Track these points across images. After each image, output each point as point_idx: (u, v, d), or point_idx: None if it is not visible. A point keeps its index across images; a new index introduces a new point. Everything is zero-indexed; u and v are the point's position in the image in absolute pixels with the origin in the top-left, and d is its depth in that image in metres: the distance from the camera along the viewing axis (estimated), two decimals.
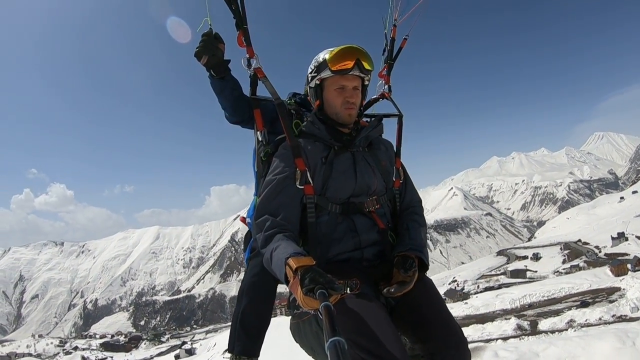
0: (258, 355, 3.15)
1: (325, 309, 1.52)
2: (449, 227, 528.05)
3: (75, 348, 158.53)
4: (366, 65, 2.51)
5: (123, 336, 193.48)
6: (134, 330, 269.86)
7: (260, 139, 2.88)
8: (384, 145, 2.82)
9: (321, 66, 2.56)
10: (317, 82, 2.61)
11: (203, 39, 2.85)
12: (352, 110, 2.58)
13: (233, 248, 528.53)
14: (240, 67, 2.86)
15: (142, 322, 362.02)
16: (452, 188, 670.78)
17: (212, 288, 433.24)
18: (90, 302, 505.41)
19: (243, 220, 3.14)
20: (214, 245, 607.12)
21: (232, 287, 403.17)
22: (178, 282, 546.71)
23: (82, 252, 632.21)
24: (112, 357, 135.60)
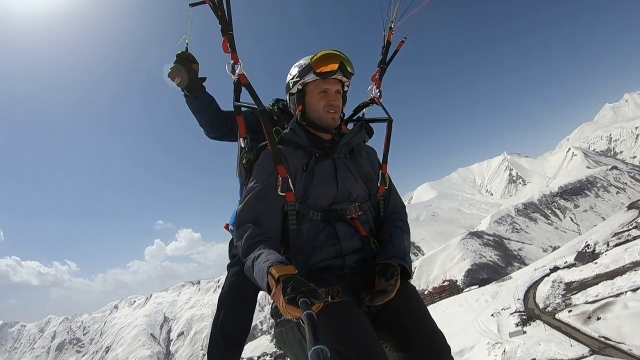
0: None
1: (307, 317, 1.62)
2: (575, 190, 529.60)
3: None
4: (349, 69, 2.73)
5: (269, 356, 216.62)
6: (278, 350, 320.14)
7: (242, 145, 3.07)
8: (365, 152, 3.01)
9: (304, 70, 2.74)
10: (300, 87, 2.79)
11: (176, 60, 3.18)
12: (335, 114, 2.77)
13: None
14: (224, 74, 3.05)
15: None
16: (569, 149, 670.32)
17: None
18: None
19: (227, 227, 3.29)
20: None
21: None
22: None
23: (218, 286, 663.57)
24: None
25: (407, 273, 2.56)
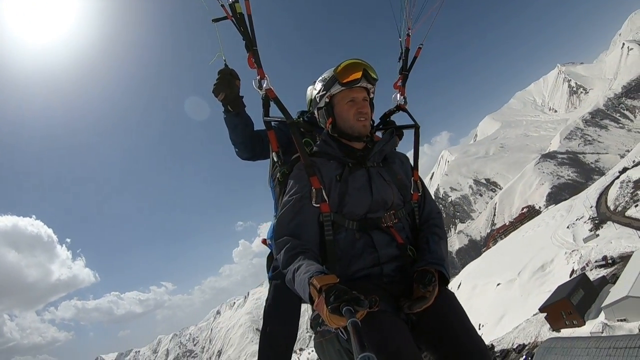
0: None
1: (352, 325, 1.71)
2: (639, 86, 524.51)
3: None
4: (373, 75, 2.91)
5: None
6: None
7: (275, 159, 3.25)
8: (399, 159, 3.16)
9: (329, 82, 2.92)
10: (327, 99, 2.97)
11: (220, 76, 3.37)
12: (366, 121, 2.94)
13: (441, 205, 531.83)
14: (251, 92, 3.25)
15: None
16: (623, 44, 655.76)
17: None
18: None
19: (264, 242, 3.48)
20: None
21: (455, 242, 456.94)
22: None
23: None
24: None
25: (445, 279, 2.71)
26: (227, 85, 3.34)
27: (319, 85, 3.01)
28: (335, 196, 2.76)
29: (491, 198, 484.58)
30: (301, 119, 3.75)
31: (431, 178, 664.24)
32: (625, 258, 68.25)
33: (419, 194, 3.08)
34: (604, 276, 67.95)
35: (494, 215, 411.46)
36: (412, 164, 3.23)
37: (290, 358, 3.53)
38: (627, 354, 33.46)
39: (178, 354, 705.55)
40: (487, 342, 69.10)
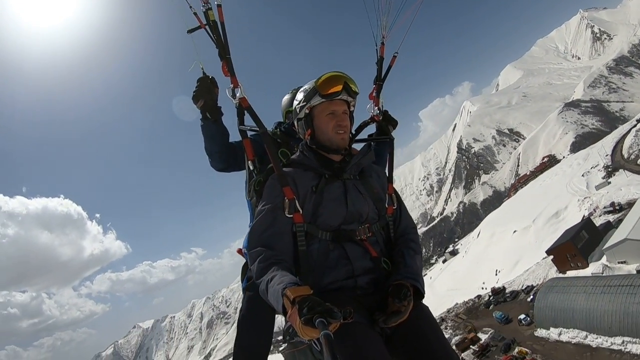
0: None
1: (325, 337, 1.71)
2: None
3: None
4: (354, 88, 2.88)
5: None
6: None
7: (251, 168, 3.23)
8: (375, 173, 3.14)
9: (310, 94, 2.90)
10: (307, 111, 2.94)
11: (199, 83, 3.33)
12: (345, 134, 2.91)
13: (464, 157, 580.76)
14: (224, 101, 3.27)
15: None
16: None
17: (461, 202, 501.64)
18: None
19: (240, 251, 3.47)
20: (446, 162, 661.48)
21: (479, 193, 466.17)
22: (429, 210, 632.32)
23: None
24: None
25: (419, 294, 2.68)
26: (206, 92, 3.36)
27: (300, 96, 3.01)
28: (309, 207, 2.78)
29: (515, 148, 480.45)
30: (278, 129, 3.80)
31: (453, 129, 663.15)
32: (632, 204, 69.81)
33: (394, 208, 3.10)
34: (609, 221, 70.91)
35: (518, 165, 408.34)
36: (388, 177, 3.24)
37: None
38: (619, 292, 38.27)
39: (212, 316, 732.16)
40: (499, 285, 73.68)
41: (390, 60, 3.83)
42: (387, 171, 3.28)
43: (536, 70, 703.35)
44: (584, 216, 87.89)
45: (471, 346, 56.19)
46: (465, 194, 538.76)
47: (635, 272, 46.65)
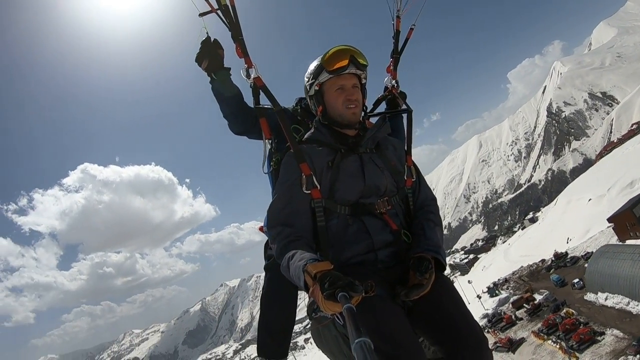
0: (286, 356, 3.68)
1: (347, 311, 1.68)
2: None
3: None
4: (361, 61, 2.81)
5: (480, 241, 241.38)
6: (487, 235, 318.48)
7: (269, 147, 3.28)
8: (392, 145, 3.07)
9: (317, 70, 2.87)
10: (316, 87, 2.91)
11: (202, 45, 3.33)
12: (356, 108, 2.86)
13: (554, 121, 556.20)
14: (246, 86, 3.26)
15: (496, 227, 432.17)
16: None
17: (549, 169, 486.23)
18: (445, 228, 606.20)
19: (261, 229, 3.38)
20: (535, 127, 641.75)
21: (568, 160, 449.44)
22: (516, 177, 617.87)
23: None
24: (474, 255, 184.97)
25: (441, 265, 2.69)
26: (208, 52, 3.34)
27: (309, 73, 2.97)
28: (326, 182, 2.73)
29: (608, 113, 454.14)
30: (298, 106, 3.68)
31: (543, 92, 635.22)
32: None
33: (413, 180, 3.04)
34: None
35: (611, 132, 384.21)
36: (406, 148, 3.16)
37: (289, 344, 3.61)
38: None
39: None
40: (561, 251, 75.76)
41: (407, 32, 3.89)
42: (405, 143, 3.23)
43: (632, 27, 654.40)
44: None
45: (525, 305, 58.65)
46: (555, 160, 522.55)
47: None
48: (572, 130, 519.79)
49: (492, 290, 79.10)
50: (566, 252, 75.78)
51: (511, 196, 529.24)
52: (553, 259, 76.61)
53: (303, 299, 2.87)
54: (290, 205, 2.66)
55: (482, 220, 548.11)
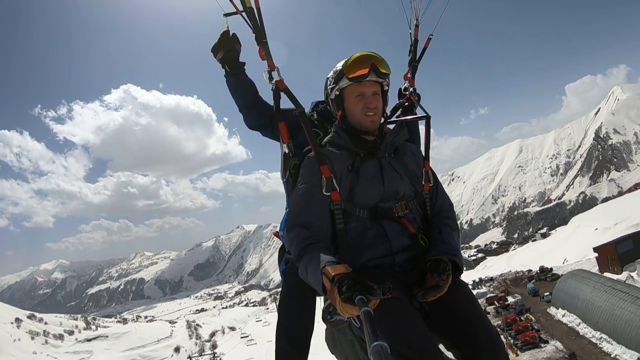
0: None
1: (365, 314, 1.67)
2: None
3: None
4: (382, 70, 2.77)
5: (495, 244, 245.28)
6: (504, 240, 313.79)
7: (287, 151, 3.22)
8: (410, 150, 3.07)
9: (339, 76, 2.84)
10: (337, 92, 2.88)
11: (220, 36, 3.33)
12: (375, 116, 2.84)
13: (599, 146, 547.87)
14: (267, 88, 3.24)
15: (515, 235, 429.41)
16: None
17: (582, 192, 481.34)
18: (466, 222, 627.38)
19: (277, 234, 3.44)
20: (579, 146, 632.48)
21: (603, 189, 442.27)
22: (548, 191, 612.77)
23: (452, 179, 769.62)
24: (484, 255, 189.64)
25: (458, 269, 2.66)
26: (225, 45, 3.34)
27: (330, 77, 2.97)
28: (346, 185, 2.73)
29: None
30: (314, 111, 3.64)
31: (596, 113, 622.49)
32: None
33: (431, 185, 3.03)
34: None
35: None
36: (424, 154, 3.15)
37: (308, 350, 3.49)
38: (618, 295, 45.77)
39: None
40: (548, 267, 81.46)
41: (425, 42, 3.88)
42: (423, 148, 3.22)
43: None
44: None
45: (496, 302, 64.26)
46: (590, 185, 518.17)
47: None
48: (615, 160, 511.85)
49: (476, 284, 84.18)
50: (551, 268, 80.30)
51: (538, 209, 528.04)
52: (538, 271, 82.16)
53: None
54: (309, 207, 2.67)
55: (504, 225, 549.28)
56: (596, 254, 71.35)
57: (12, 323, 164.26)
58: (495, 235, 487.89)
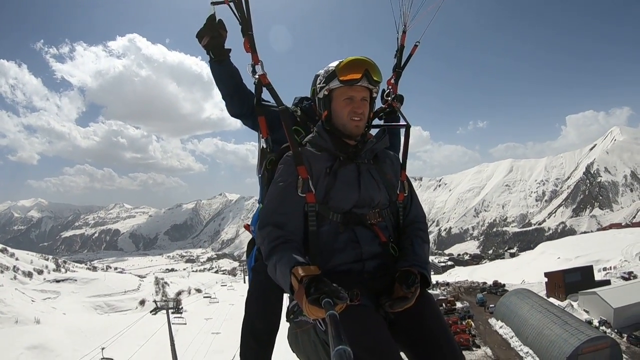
0: None
1: (331, 318, 1.66)
2: None
3: None
4: (375, 77, 2.72)
5: (467, 255, 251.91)
6: (478, 253, 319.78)
7: (265, 146, 3.21)
8: (389, 159, 3.04)
9: (330, 77, 2.76)
10: (326, 92, 2.81)
11: (206, 22, 3.21)
12: (360, 121, 2.78)
13: (588, 181, 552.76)
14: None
15: (490, 251, 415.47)
16: None
17: (562, 222, 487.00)
18: (444, 230, 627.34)
19: (247, 227, 3.36)
20: (568, 177, 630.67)
21: (583, 223, 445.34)
22: (529, 214, 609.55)
23: (439, 185, 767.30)
24: (453, 264, 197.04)
25: (426, 282, 2.64)
26: (210, 30, 3.25)
27: (321, 75, 2.89)
28: (322, 188, 2.69)
29: None
30: (299, 107, 3.59)
31: (591, 149, 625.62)
32: None
33: (405, 195, 3.00)
34: (608, 280, 76.50)
35: (634, 217, 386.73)
36: (401, 163, 3.13)
37: (273, 346, 3.52)
38: (547, 315, 49.93)
39: None
40: (502, 282, 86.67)
41: (411, 49, 3.84)
42: (401, 157, 3.19)
43: None
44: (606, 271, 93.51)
45: (444, 304, 69.21)
46: (571, 217, 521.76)
47: (584, 320, 52.83)
48: (600, 198, 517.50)
49: (432, 286, 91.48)
50: (503, 285, 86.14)
51: (517, 230, 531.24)
52: (491, 285, 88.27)
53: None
54: (283, 207, 2.63)
55: (481, 239, 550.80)
56: (546, 279, 76.03)
57: None
58: (470, 247, 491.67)
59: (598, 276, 79.12)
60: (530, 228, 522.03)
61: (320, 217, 2.67)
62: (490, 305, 66.18)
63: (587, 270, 74.85)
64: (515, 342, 50.17)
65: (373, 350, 2.12)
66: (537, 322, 48.68)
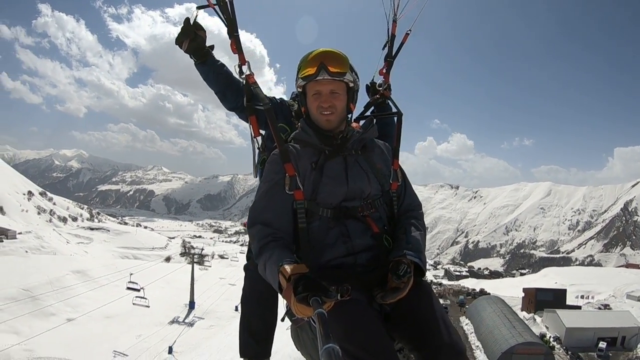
0: (269, 357, 3.59)
1: (318, 316, 1.65)
2: None
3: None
4: (332, 69, 2.60)
5: (487, 271, 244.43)
6: (502, 271, 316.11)
7: (257, 145, 3.22)
8: (378, 148, 2.97)
9: (297, 74, 2.76)
10: (299, 89, 2.80)
11: (182, 26, 3.25)
12: (331, 115, 2.70)
13: (624, 217, 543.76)
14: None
15: (514, 271, 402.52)
16: None
17: (590, 255, 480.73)
18: (472, 242, 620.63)
19: (246, 225, 3.19)
20: (605, 211, 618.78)
21: (611, 259, 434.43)
22: (559, 242, 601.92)
23: (474, 197, 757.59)
24: (467, 275, 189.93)
25: (421, 270, 2.57)
26: (186, 34, 3.28)
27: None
28: (309, 184, 2.67)
29: None
30: (296, 102, 3.60)
31: (633, 186, 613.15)
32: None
33: (399, 184, 2.96)
34: (580, 305, 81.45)
35: None
36: (393, 152, 3.05)
37: (272, 343, 3.53)
38: (502, 319, 58.08)
39: None
40: (488, 291, 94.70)
41: (402, 37, 3.82)
42: (393, 146, 3.11)
43: None
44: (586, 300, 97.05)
45: None
46: (601, 251, 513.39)
47: (539, 333, 59.26)
48: (634, 237, 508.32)
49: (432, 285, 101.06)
50: (489, 293, 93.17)
51: (544, 255, 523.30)
52: (477, 290, 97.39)
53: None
54: (271, 205, 2.61)
55: (507, 258, 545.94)
56: (523, 294, 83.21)
57: (24, 195, 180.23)
58: (494, 263, 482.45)
59: (578, 302, 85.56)
60: (558, 256, 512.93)
61: (310, 213, 2.66)
62: (467, 307, 73.75)
63: (560, 293, 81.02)
64: (472, 337, 57.69)
65: (364, 344, 2.12)
66: (492, 323, 55.71)
